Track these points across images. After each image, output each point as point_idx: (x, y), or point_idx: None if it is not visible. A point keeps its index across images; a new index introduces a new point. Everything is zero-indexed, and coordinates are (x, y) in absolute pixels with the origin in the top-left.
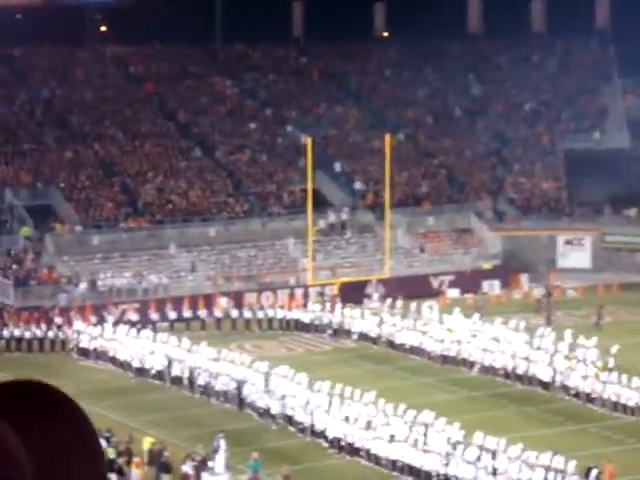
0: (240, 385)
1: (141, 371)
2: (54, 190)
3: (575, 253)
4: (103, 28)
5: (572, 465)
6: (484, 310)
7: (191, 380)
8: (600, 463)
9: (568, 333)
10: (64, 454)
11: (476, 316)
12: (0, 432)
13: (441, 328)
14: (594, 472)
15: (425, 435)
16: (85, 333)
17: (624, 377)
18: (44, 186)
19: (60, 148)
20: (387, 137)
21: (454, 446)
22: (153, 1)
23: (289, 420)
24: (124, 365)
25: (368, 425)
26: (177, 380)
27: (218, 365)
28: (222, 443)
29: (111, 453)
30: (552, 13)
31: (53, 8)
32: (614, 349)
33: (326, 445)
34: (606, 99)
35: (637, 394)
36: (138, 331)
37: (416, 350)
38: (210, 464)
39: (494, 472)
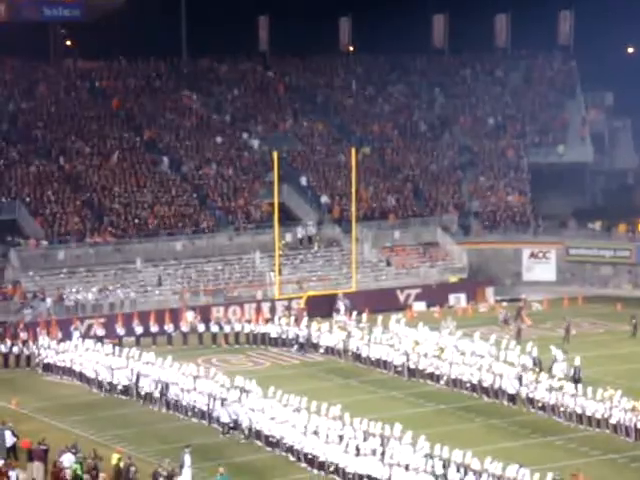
0: (205, 400)
1: (107, 386)
2: (19, 205)
3: (540, 266)
4: (68, 43)
5: (537, 477)
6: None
7: (158, 395)
8: (565, 475)
9: (532, 346)
10: None
11: (445, 330)
12: None
13: (408, 341)
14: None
15: (392, 448)
16: (51, 348)
17: (589, 389)
18: (9, 201)
19: (25, 162)
20: (353, 151)
21: (422, 459)
22: (119, 16)
23: (256, 434)
24: (90, 380)
25: (335, 439)
26: (144, 395)
27: (185, 379)
28: (187, 457)
29: (77, 469)
30: (516, 28)
31: (18, 22)
32: (577, 361)
33: (293, 459)
34: (569, 113)
35: (602, 406)
36: (104, 346)
37: (383, 364)
38: (177, 479)
39: None
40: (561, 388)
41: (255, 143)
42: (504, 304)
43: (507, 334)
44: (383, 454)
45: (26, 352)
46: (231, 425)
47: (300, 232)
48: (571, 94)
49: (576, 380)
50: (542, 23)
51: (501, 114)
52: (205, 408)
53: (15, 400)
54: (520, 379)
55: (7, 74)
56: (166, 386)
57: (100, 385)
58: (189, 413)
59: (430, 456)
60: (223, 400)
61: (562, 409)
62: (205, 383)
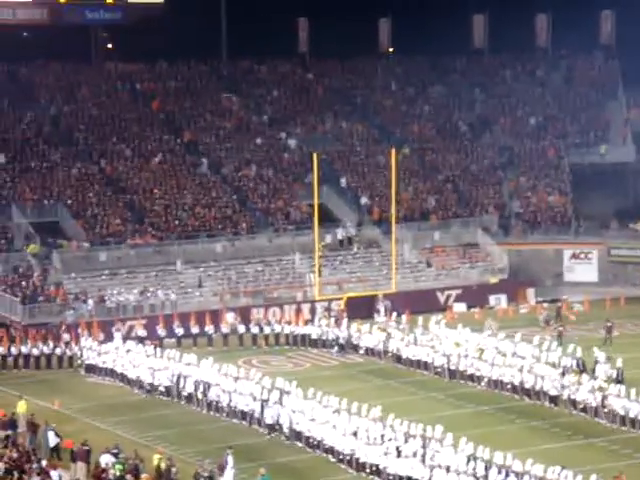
0: (247, 401)
1: (149, 387)
2: (61, 207)
3: (581, 267)
4: (109, 46)
5: (580, 479)
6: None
7: (199, 396)
8: (607, 477)
9: (576, 347)
10: None
11: (487, 331)
12: None
13: (448, 342)
14: None
15: (433, 450)
16: (93, 350)
17: (632, 391)
18: (51, 203)
19: (67, 165)
20: (392, 152)
21: (463, 461)
22: (159, 19)
23: (297, 435)
24: (132, 381)
25: (375, 440)
26: (185, 396)
27: (226, 381)
28: (230, 459)
29: (119, 470)
30: (557, 28)
31: (60, 26)
32: (619, 362)
33: (334, 460)
34: (611, 113)
35: None
36: (145, 347)
37: (423, 365)
38: None
39: None
40: (603, 389)
41: (292, 143)
42: (545, 305)
43: (549, 335)
44: (424, 456)
45: (68, 353)
46: (276, 427)
47: (340, 233)
48: (612, 94)
49: (619, 381)
50: (583, 23)
51: (542, 114)
52: (246, 409)
53: (58, 401)
54: (562, 380)
55: (49, 77)
56: (207, 387)
57: (142, 386)
58: (230, 414)
59: (471, 458)
60: (264, 401)
61: (605, 411)
62: (246, 384)
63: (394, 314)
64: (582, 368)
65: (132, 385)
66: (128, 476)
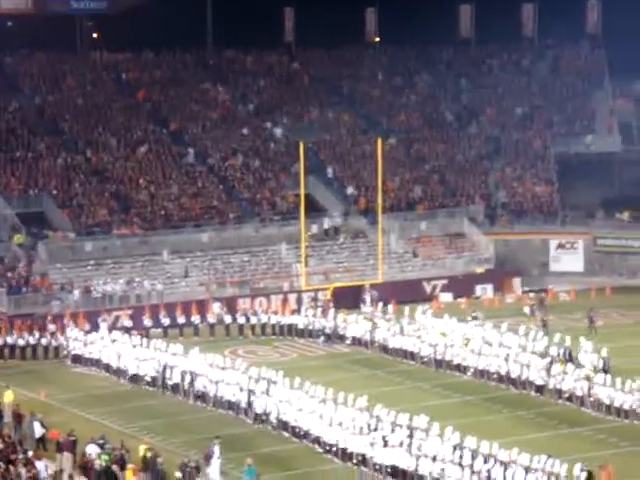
0: (233, 391)
1: (135, 378)
2: (47, 197)
3: (567, 257)
4: (95, 35)
5: (565, 468)
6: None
7: (185, 386)
8: (593, 466)
9: (561, 336)
10: None
11: (470, 320)
12: None
13: (434, 332)
14: (585, 475)
15: (419, 439)
16: (78, 340)
17: (617, 380)
18: (36, 193)
19: (52, 155)
20: (379, 142)
21: (449, 450)
22: (144, 8)
23: (284, 425)
24: (118, 372)
25: (362, 430)
26: (171, 386)
27: (213, 371)
28: (217, 449)
29: (104, 460)
30: (543, 18)
31: (45, 16)
32: (604, 352)
33: (320, 450)
34: (597, 103)
35: (630, 397)
36: (131, 337)
37: (410, 355)
38: (205, 470)
39: (488, 476)
40: (589, 379)
41: (279, 132)
42: (531, 295)
43: (534, 325)
44: (410, 445)
45: (54, 344)
46: (262, 417)
47: (326, 223)
48: (599, 83)
49: (604, 371)
50: (569, 12)
51: (528, 104)
52: (233, 399)
53: (44, 391)
54: (548, 370)
55: (34, 67)
56: (194, 377)
57: (127, 376)
58: (216, 404)
59: (458, 447)
60: (251, 391)
61: (590, 400)
62: (232, 374)
63: (380, 304)
64: (569, 357)
65: (118, 375)
66: (114, 466)
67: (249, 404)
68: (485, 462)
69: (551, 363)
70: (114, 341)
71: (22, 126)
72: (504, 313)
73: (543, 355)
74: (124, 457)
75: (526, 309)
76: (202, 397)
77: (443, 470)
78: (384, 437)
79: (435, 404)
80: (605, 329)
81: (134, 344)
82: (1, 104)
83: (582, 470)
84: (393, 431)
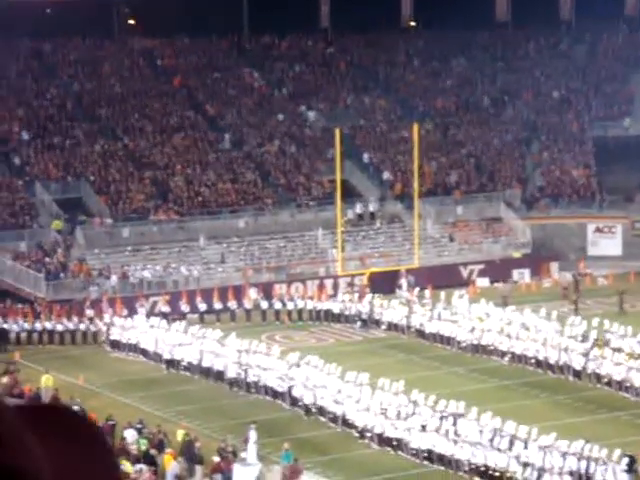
0: (271, 376)
1: (172, 363)
2: (84, 183)
3: (605, 241)
4: (131, 21)
5: (604, 453)
6: (510, 300)
7: (222, 371)
8: (632, 451)
9: (599, 321)
10: (81, 464)
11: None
12: (19, 427)
13: (471, 317)
14: (627, 460)
15: (456, 424)
16: (116, 325)
17: None
18: (74, 179)
19: (90, 141)
20: (415, 127)
21: (487, 435)
22: None
23: (320, 410)
24: (155, 357)
25: (399, 415)
26: (208, 371)
27: (249, 357)
28: (253, 434)
29: (143, 444)
30: (581, 0)
31: (82, 2)
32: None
33: (357, 435)
34: (635, 86)
35: None
36: (169, 323)
37: (446, 340)
38: (241, 455)
39: (526, 461)
40: (627, 363)
41: (314, 118)
42: (567, 277)
43: (568, 307)
44: (447, 430)
45: (92, 329)
46: (299, 402)
47: (362, 209)
48: (637, 66)
49: None
50: None
51: (565, 88)
52: (269, 384)
53: (82, 377)
54: (586, 354)
55: (71, 54)
56: (230, 362)
57: (165, 361)
58: (254, 389)
59: (496, 432)
60: (288, 377)
61: (628, 384)
62: (269, 360)
63: (417, 289)
64: (606, 342)
65: (155, 360)
66: (153, 451)
67: (287, 389)
68: (525, 448)
69: (588, 347)
70: (152, 326)
71: (60, 113)
72: (541, 298)
73: (581, 339)
74: (162, 441)
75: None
76: (239, 382)
77: (481, 455)
78: (421, 422)
79: (472, 389)
80: None
81: (171, 330)
82: (40, 91)
83: (624, 455)
84: (430, 416)
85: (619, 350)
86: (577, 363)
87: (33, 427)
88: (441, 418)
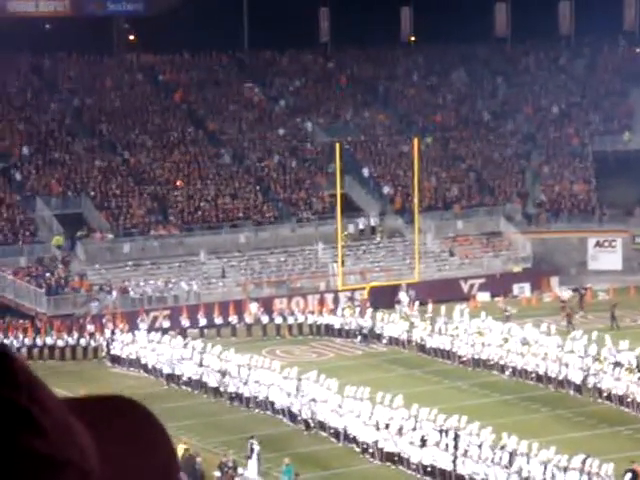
0: (272, 391)
1: (173, 378)
2: (85, 198)
3: (606, 255)
4: (131, 37)
5: (605, 468)
6: (510, 315)
7: (223, 387)
8: (634, 465)
9: (600, 336)
10: (142, 459)
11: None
12: (66, 419)
13: (472, 332)
14: (630, 475)
15: (457, 439)
16: (117, 340)
17: None
18: (75, 195)
19: (90, 157)
20: (415, 141)
21: (488, 450)
22: (180, 10)
23: (321, 425)
24: (156, 372)
25: (400, 430)
26: (209, 386)
27: (250, 372)
28: (254, 449)
29: None
30: (580, 15)
31: (82, 18)
32: (638, 351)
33: (358, 450)
34: (635, 100)
35: None
36: (170, 338)
37: (447, 354)
38: (242, 470)
39: (527, 476)
40: (628, 378)
41: (314, 133)
42: (569, 292)
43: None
44: (448, 445)
45: (93, 344)
46: (299, 417)
47: (362, 223)
48: (636, 81)
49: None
50: (606, 9)
51: (565, 102)
52: (270, 399)
53: (83, 391)
54: (586, 369)
55: (71, 69)
56: (231, 377)
57: (165, 377)
58: (254, 404)
59: (497, 447)
60: (288, 392)
61: (629, 399)
62: (270, 375)
63: (417, 303)
64: (607, 356)
65: (156, 375)
66: None
67: (287, 404)
68: (525, 462)
69: (589, 362)
70: (152, 342)
71: (60, 128)
72: (542, 312)
73: (582, 354)
74: None
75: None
76: (239, 397)
77: (481, 470)
78: (422, 437)
79: (473, 404)
80: None
81: (172, 345)
82: (40, 106)
83: (627, 471)
84: (431, 431)
85: (619, 364)
86: (577, 377)
87: (89, 419)
88: (442, 433)
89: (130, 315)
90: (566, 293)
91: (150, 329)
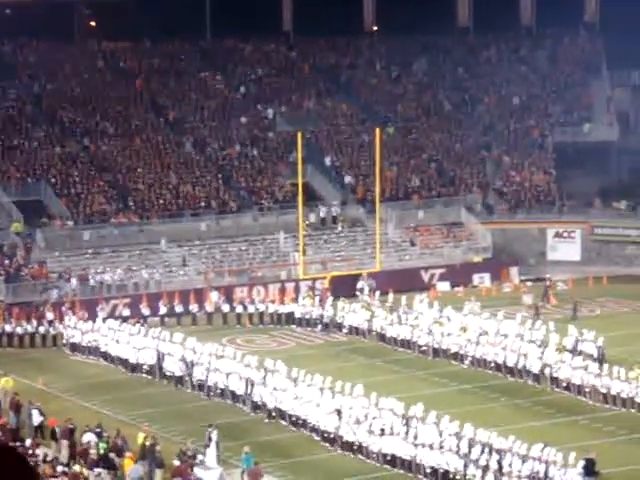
0: (232, 380)
1: (133, 366)
2: (45, 185)
3: (565, 246)
4: (92, 23)
5: (562, 457)
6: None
7: (183, 375)
8: (590, 454)
9: (559, 326)
10: None
11: (466, 308)
12: None
13: (432, 321)
14: (584, 463)
15: (416, 428)
16: (76, 328)
17: (613, 369)
18: (34, 182)
19: (50, 144)
20: (377, 131)
21: (447, 439)
22: None
23: (281, 414)
24: (115, 360)
25: (359, 419)
26: (169, 375)
27: (211, 360)
28: (214, 437)
29: (102, 448)
30: (541, 6)
31: (42, 3)
32: (600, 341)
33: (318, 439)
34: (595, 92)
35: (628, 386)
36: (129, 326)
37: (407, 343)
38: (202, 458)
39: (485, 465)
40: (586, 368)
41: (276, 121)
42: (528, 284)
43: (527, 312)
44: (407, 433)
45: (52, 332)
46: (260, 405)
47: (324, 212)
48: (597, 73)
49: (600, 360)
50: (567, 1)
51: (526, 93)
52: (230, 388)
53: (42, 379)
54: (545, 359)
55: (32, 55)
56: (191, 366)
57: (125, 365)
58: (214, 393)
59: (455, 436)
60: (249, 380)
61: (587, 389)
62: (230, 363)
63: (377, 293)
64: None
65: (115, 363)
66: (112, 454)
67: (247, 393)
68: (482, 451)
69: (548, 352)
70: (112, 329)
71: (20, 115)
72: (501, 302)
73: (541, 344)
74: (122, 445)
75: (525, 298)
76: (200, 386)
77: (440, 459)
78: (381, 425)
79: (432, 393)
80: (602, 318)
81: (132, 332)
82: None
83: (581, 459)
84: (390, 420)
85: (579, 354)
86: (536, 367)
87: None
88: (401, 421)
89: (89, 303)
90: (527, 298)
91: (110, 317)
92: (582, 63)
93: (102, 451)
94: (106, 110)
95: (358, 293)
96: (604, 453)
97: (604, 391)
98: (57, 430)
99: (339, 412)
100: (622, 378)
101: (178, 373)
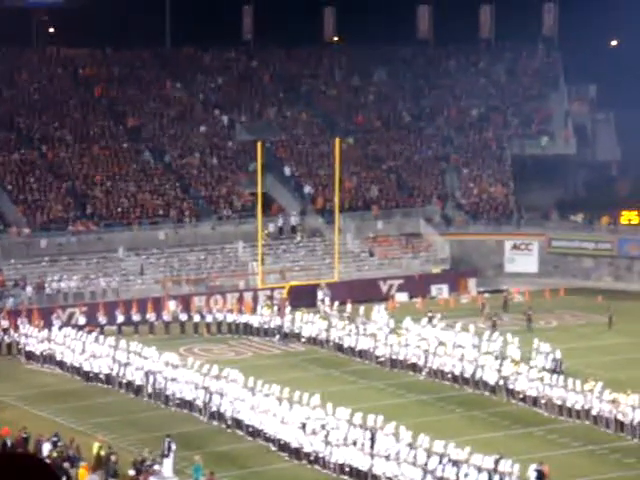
0: (188, 389)
1: (89, 375)
2: (1, 192)
3: (522, 258)
4: (51, 30)
5: (517, 468)
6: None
7: (140, 383)
8: (542, 465)
9: (516, 338)
10: None
11: (424, 320)
12: None
13: (389, 332)
14: (536, 474)
15: (373, 439)
16: (32, 336)
17: (569, 381)
18: None
19: (7, 150)
20: (337, 141)
21: (403, 450)
22: (102, 4)
23: (237, 423)
24: (71, 369)
25: (316, 429)
26: (126, 384)
27: (168, 369)
28: (170, 447)
29: (54, 458)
30: (500, 20)
31: (1, 9)
32: (558, 353)
33: (274, 449)
34: (553, 105)
35: (583, 397)
36: (85, 334)
37: (364, 354)
38: (158, 468)
39: (441, 476)
40: (542, 379)
41: (236, 131)
42: (486, 295)
43: (483, 324)
44: (364, 444)
45: (7, 340)
46: (217, 415)
47: (283, 222)
48: (554, 86)
49: (557, 372)
50: (526, 14)
51: (485, 105)
52: (187, 397)
53: None
54: (501, 370)
55: None
56: (148, 375)
57: (81, 374)
58: (171, 402)
59: (412, 446)
60: (206, 389)
61: (543, 400)
62: (187, 372)
63: (335, 303)
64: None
65: (71, 372)
66: (66, 464)
67: (204, 402)
68: (439, 462)
69: (504, 363)
70: (68, 338)
71: None
72: (459, 313)
73: (497, 355)
74: (74, 455)
75: (482, 308)
76: (157, 395)
77: (397, 469)
78: (338, 436)
79: (390, 403)
80: (558, 330)
81: (88, 341)
82: None
83: (533, 470)
84: (347, 430)
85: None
86: (492, 379)
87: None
88: (358, 432)
89: (45, 311)
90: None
91: (66, 325)
92: (540, 76)
93: (56, 460)
94: (64, 117)
95: (319, 303)
96: (559, 465)
97: (560, 403)
98: (7, 441)
99: (296, 422)
100: (578, 390)
101: (137, 382)
